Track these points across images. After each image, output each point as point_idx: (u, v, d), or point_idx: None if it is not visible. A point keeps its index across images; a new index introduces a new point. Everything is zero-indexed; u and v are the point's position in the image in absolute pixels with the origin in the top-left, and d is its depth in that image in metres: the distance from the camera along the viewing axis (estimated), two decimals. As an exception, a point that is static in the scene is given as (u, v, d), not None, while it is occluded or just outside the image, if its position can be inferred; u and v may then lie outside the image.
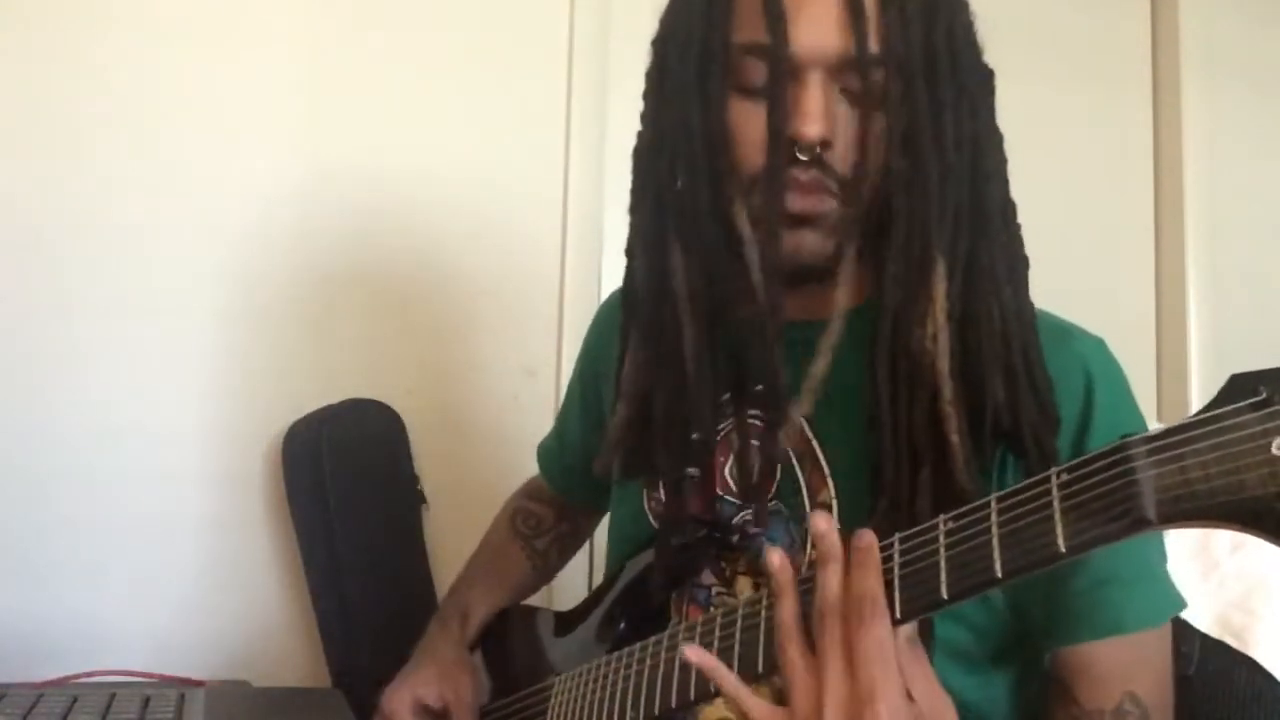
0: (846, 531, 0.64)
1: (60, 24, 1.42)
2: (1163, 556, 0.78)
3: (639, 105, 0.86)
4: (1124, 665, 0.75)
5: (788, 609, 0.65)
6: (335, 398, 1.49)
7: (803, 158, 0.74)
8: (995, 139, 0.79)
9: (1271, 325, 2.05)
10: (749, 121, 0.76)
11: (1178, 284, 2.05)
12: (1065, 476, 0.56)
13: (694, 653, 0.68)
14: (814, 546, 0.64)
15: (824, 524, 0.64)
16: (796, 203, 0.75)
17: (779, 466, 0.83)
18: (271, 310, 1.50)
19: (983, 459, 0.73)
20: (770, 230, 0.75)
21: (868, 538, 0.63)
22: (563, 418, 1.14)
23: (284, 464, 1.45)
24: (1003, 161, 0.79)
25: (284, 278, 1.51)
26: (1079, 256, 1.94)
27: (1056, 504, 0.55)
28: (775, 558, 0.66)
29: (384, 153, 1.57)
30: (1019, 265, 0.78)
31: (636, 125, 0.86)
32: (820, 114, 0.74)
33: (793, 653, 0.64)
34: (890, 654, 0.60)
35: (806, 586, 0.65)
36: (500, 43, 1.65)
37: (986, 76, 0.79)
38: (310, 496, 1.43)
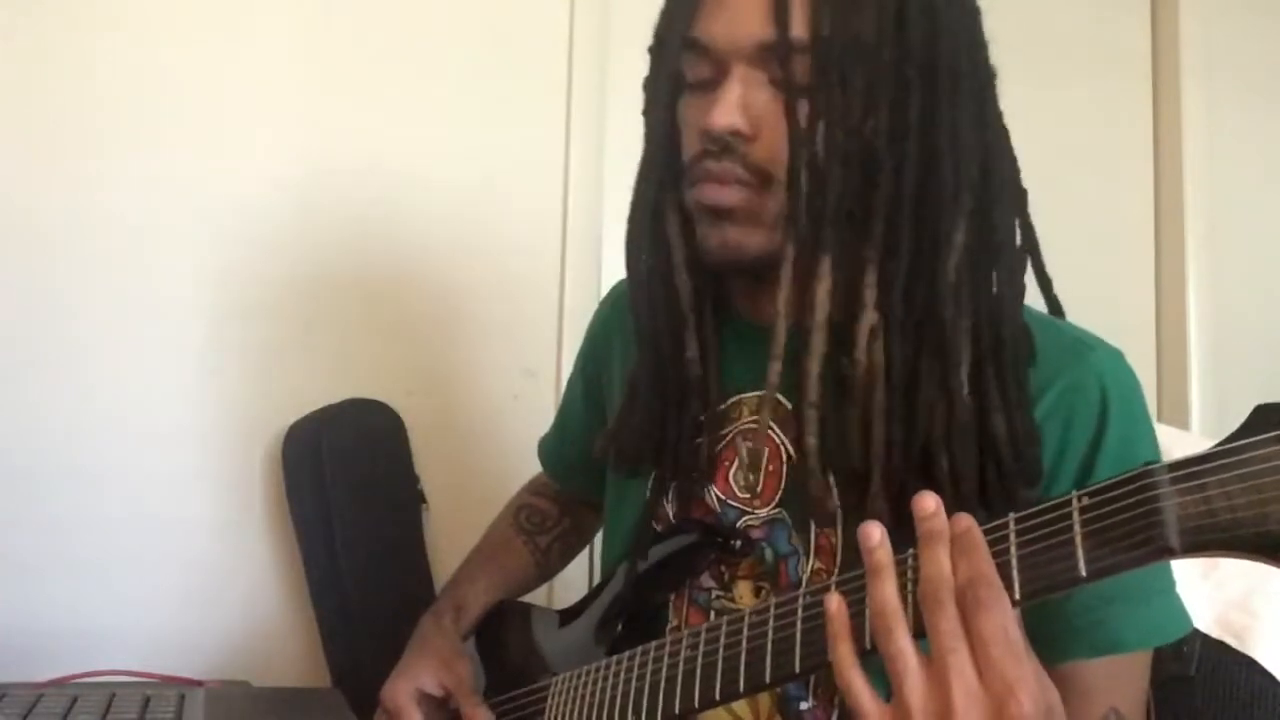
0: (853, 541, 0.63)
1: (58, 23, 1.42)
2: (1170, 575, 0.76)
3: (639, 107, 0.85)
4: (1111, 680, 0.73)
5: (889, 591, 0.59)
6: (335, 398, 1.49)
7: (711, 149, 0.74)
8: (969, 140, 0.73)
9: (1271, 325, 2.05)
10: (686, 117, 0.78)
11: (1178, 284, 2.05)
12: (1086, 501, 0.55)
13: (835, 603, 0.61)
14: (916, 526, 0.59)
15: (932, 503, 0.59)
16: (707, 193, 0.76)
17: (784, 473, 0.82)
18: (272, 310, 1.50)
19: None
20: (701, 224, 0.77)
21: (966, 520, 0.58)
22: (564, 409, 1.14)
23: (284, 464, 1.45)
24: (989, 162, 0.75)
25: (284, 277, 1.51)
26: (1079, 256, 1.93)
27: (1077, 528, 0.55)
28: (875, 532, 0.60)
29: (384, 153, 1.57)
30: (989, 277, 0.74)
31: (637, 128, 0.86)
32: (732, 105, 0.73)
33: (903, 641, 0.57)
34: (1019, 639, 0.55)
35: (855, 585, 0.62)
36: (500, 43, 1.65)
37: (970, 72, 0.74)
38: (310, 496, 1.43)
